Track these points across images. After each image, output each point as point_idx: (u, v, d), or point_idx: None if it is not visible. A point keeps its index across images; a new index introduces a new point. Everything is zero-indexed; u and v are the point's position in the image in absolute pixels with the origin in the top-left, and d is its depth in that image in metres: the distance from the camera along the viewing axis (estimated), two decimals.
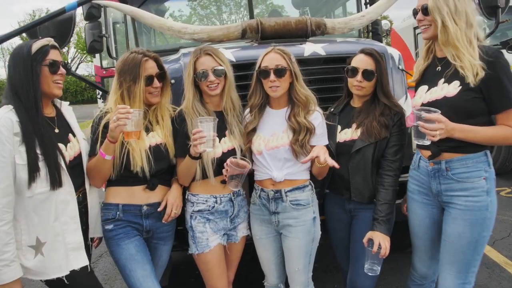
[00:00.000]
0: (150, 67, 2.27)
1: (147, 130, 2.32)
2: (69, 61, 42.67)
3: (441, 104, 2.03)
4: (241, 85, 2.62)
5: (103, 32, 3.93)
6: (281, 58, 2.24)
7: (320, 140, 2.27)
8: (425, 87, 2.19)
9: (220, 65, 2.30)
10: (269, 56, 2.26)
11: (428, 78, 2.20)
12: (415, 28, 10.31)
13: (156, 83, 2.29)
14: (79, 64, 41.83)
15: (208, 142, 2.07)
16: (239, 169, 2.15)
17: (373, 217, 2.29)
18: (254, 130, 2.34)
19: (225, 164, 2.16)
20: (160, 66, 2.34)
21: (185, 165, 2.25)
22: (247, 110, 2.42)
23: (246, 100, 2.58)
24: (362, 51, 2.41)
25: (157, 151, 2.28)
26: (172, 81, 2.66)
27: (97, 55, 6.05)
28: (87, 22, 3.80)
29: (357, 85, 2.36)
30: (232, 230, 2.44)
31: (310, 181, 2.36)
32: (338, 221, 2.52)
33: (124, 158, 2.20)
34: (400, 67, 3.09)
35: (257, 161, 2.34)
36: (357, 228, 2.43)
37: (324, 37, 3.33)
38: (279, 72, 2.21)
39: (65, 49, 43.53)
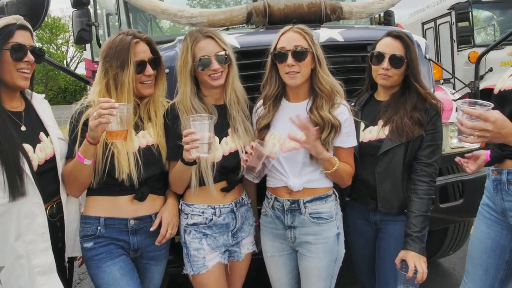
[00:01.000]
0: (142, 51, 1.89)
1: (137, 128, 1.94)
2: (68, 60, 42.42)
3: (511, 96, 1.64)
4: (247, 75, 2.26)
5: (93, 20, 3.61)
6: (301, 38, 1.85)
7: (346, 140, 1.89)
8: None
9: (224, 49, 1.92)
10: (286, 36, 1.88)
11: None
12: (423, 24, 9.96)
13: (149, 70, 1.91)
14: (78, 63, 41.51)
15: (202, 147, 1.69)
16: (261, 157, 1.80)
17: (406, 232, 1.91)
18: (267, 127, 1.95)
19: (248, 147, 1.83)
20: (153, 51, 1.96)
21: (177, 171, 1.87)
22: (259, 102, 2.03)
23: (251, 93, 2.22)
24: (389, 34, 2.04)
25: (148, 154, 1.91)
26: (167, 70, 2.28)
27: (88, 48, 5.68)
28: (75, 9, 3.47)
29: (383, 73, 1.99)
30: (235, 246, 2.06)
31: (334, 190, 1.99)
32: (360, 235, 2.15)
33: (107, 162, 1.82)
34: (427, 56, 2.72)
35: (269, 165, 1.96)
36: (384, 244, 2.06)
37: (339, 23, 2.97)
38: (299, 55, 1.83)
39: (64, 48, 43.33)
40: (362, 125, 2.07)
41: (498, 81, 1.83)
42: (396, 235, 2.00)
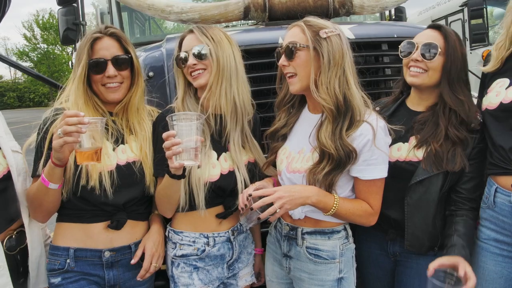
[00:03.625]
0: (103, 48, 1.61)
1: (116, 141, 1.66)
2: (74, 61, 42.35)
3: None
4: None
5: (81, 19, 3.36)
6: (299, 32, 1.53)
7: (362, 170, 1.50)
8: (505, 80, 1.57)
9: (205, 43, 1.62)
10: (287, 33, 1.59)
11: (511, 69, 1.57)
12: (433, 21, 9.62)
13: (110, 70, 1.61)
14: None
15: (186, 153, 1.38)
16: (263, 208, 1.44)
17: (448, 244, 1.59)
18: (284, 138, 1.68)
19: (246, 193, 1.48)
20: (125, 49, 1.67)
21: (164, 187, 1.58)
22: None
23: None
24: (429, 27, 1.70)
25: (127, 174, 1.63)
26: (151, 73, 2.01)
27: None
28: (61, 7, 3.23)
29: (414, 65, 1.63)
30: (231, 279, 1.77)
31: (346, 226, 1.65)
32: (376, 266, 1.84)
33: (78, 181, 1.54)
34: None
35: (279, 180, 1.71)
36: (404, 280, 1.76)
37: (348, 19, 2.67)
38: (289, 52, 1.51)
39: (69, 49, 43.34)
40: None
41: (488, 97, 1.61)
42: (419, 271, 1.68)
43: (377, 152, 1.48)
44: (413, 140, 1.66)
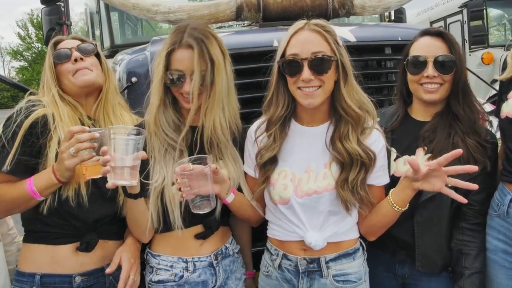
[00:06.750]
0: (66, 44, 1.59)
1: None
2: None
3: None
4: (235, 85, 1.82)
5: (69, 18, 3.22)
6: (321, 40, 1.34)
7: (381, 176, 1.45)
8: None
9: (207, 66, 1.40)
10: (300, 37, 1.35)
11: None
12: (431, 23, 9.50)
13: (76, 54, 1.55)
14: None
15: (120, 171, 1.25)
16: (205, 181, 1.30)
17: None
18: (273, 161, 1.44)
19: (176, 180, 1.31)
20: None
21: (128, 207, 1.43)
22: (260, 128, 1.49)
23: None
24: (426, 33, 1.55)
25: (98, 188, 1.47)
26: (133, 79, 1.85)
27: None
28: (44, 5, 3.07)
29: (428, 82, 1.49)
30: None
31: (361, 241, 1.52)
32: None
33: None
34: None
35: (275, 211, 1.48)
36: None
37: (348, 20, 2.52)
38: (320, 65, 1.32)
39: None
40: (394, 153, 1.58)
41: (509, 102, 1.49)
42: None
43: (387, 157, 1.48)
44: (420, 152, 1.52)
